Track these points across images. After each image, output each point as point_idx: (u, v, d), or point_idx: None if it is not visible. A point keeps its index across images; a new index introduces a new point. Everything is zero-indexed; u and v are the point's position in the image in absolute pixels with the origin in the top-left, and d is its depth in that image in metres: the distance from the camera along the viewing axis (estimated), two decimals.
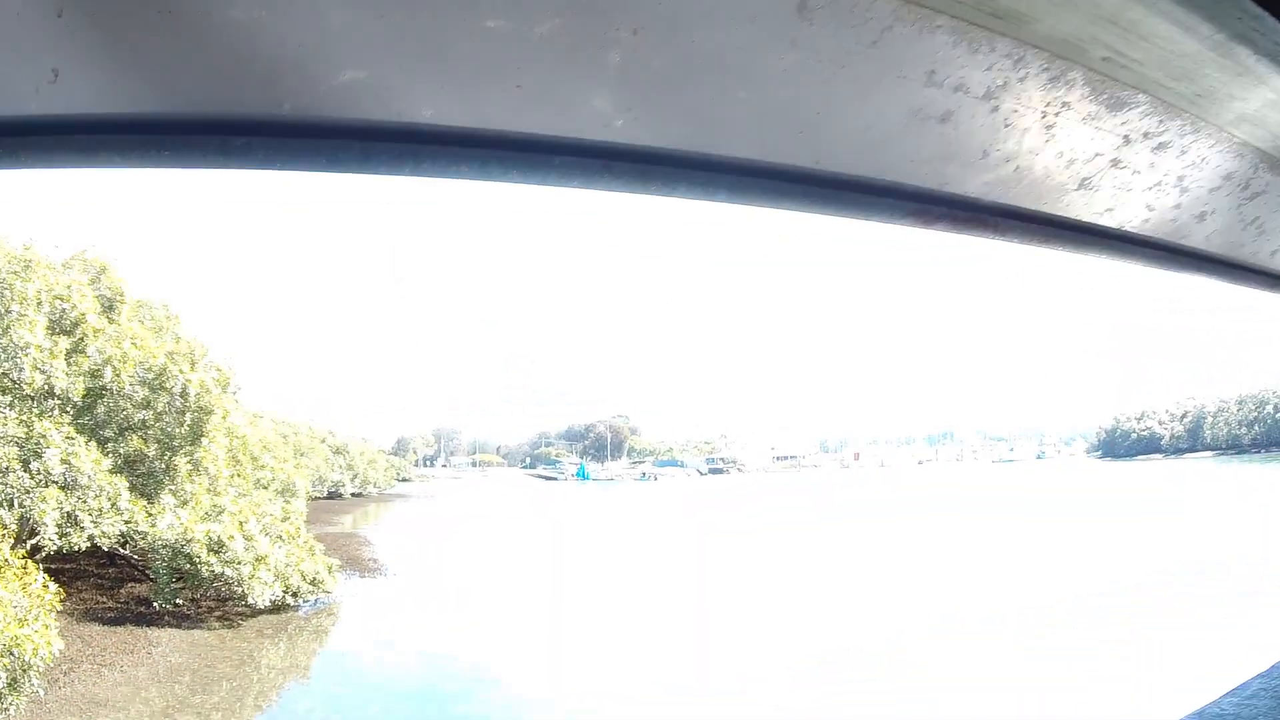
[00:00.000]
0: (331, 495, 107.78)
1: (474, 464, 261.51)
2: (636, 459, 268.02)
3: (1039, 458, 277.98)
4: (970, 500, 74.81)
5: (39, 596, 17.12)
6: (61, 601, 18.91)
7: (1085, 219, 3.00)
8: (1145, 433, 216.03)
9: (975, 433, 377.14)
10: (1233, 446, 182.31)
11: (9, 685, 15.32)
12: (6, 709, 15.45)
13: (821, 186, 2.63)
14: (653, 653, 27.09)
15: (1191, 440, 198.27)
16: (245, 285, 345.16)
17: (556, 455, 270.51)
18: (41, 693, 17.32)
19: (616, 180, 2.50)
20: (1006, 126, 2.52)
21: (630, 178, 2.50)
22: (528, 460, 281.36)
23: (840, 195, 2.69)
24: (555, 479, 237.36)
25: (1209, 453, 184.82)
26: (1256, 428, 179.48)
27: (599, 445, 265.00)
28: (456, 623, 32.57)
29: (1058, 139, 2.61)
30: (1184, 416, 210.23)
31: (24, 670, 15.59)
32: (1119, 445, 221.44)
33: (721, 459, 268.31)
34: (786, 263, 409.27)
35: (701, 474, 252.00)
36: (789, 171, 2.57)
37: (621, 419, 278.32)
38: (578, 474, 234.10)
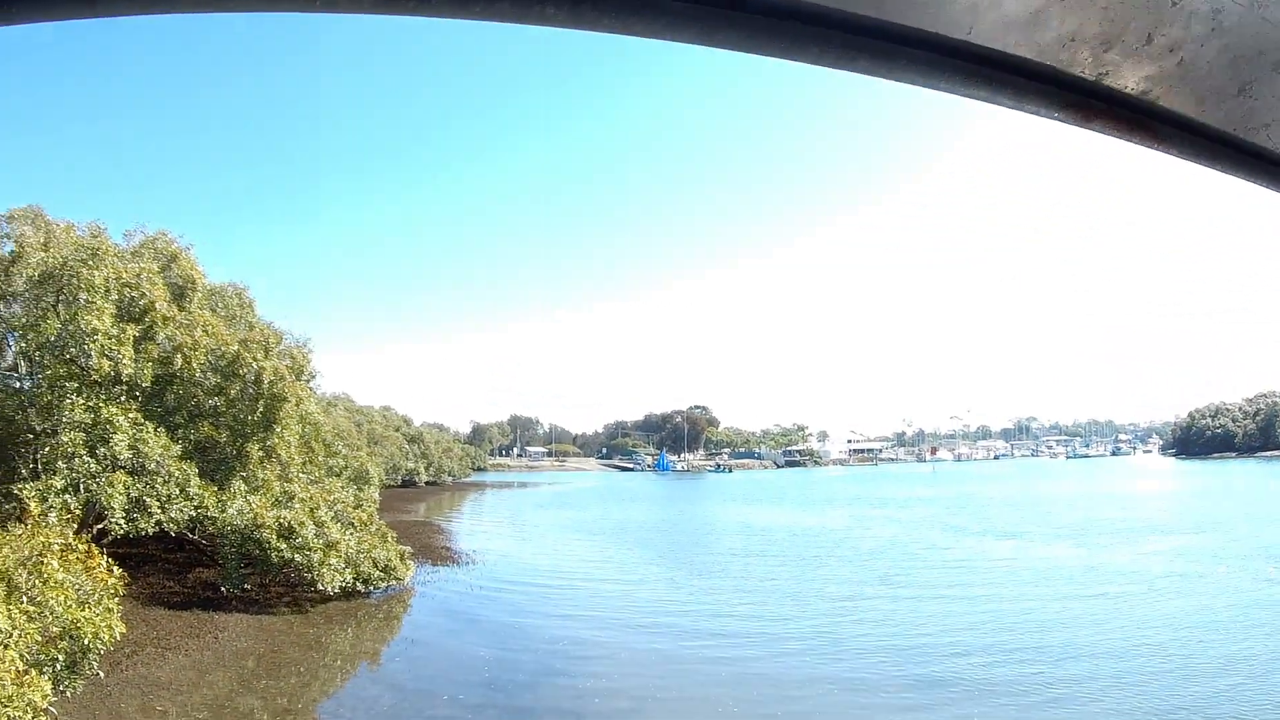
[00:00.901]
0: (406, 483, 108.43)
1: (550, 453, 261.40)
2: (713, 450, 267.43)
3: (1115, 454, 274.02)
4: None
5: (102, 580, 17.07)
6: (126, 585, 18.89)
7: (1239, 134, 2.72)
8: (1219, 430, 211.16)
9: (1050, 427, 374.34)
10: None
11: (67, 667, 15.27)
12: (64, 691, 15.39)
13: (969, 62, 2.47)
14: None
15: (1264, 438, 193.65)
16: None
17: (633, 446, 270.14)
18: (101, 675, 17.27)
19: None
20: (1174, 5, 2.28)
21: None
22: (604, 450, 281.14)
23: (991, 76, 2.52)
24: (632, 469, 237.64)
25: None
26: None
27: (676, 436, 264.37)
28: (529, 612, 32.36)
29: (1224, 28, 2.34)
30: (1257, 414, 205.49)
31: (83, 653, 15.54)
32: (1193, 443, 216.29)
33: (798, 451, 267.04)
34: (859, 265, 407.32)
35: (778, 465, 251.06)
36: (933, 40, 2.39)
37: (699, 410, 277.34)
38: (658, 465, 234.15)
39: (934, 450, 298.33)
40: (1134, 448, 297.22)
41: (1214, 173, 2.95)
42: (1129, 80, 2.49)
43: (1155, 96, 2.55)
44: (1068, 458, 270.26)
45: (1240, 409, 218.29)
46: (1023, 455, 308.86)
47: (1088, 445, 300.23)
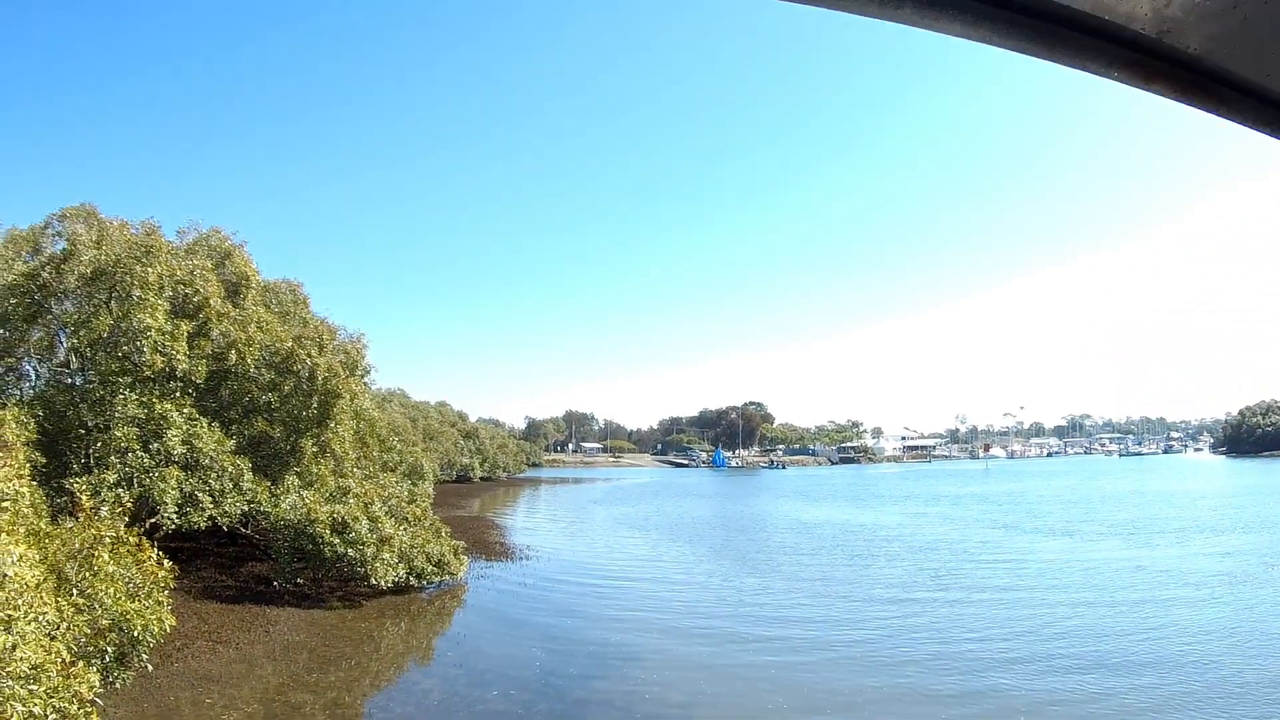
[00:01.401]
0: (461, 478, 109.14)
1: (605, 449, 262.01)
2: (767, 447, 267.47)
3: (1167, 451, 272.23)
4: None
5: (152, 573, 17.14)
6: (178, 579, 18.97)
7: None
8: (1270, 428, 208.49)
9: (1102, 424, 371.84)
10: None
11: (116, 660, 15.32)
12: (113, 683, 15.45)
13: (1024, 15, 2.34)
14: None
15: None
16: None
17: (688, 442, 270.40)
18: (150, 668, 17.33)
19: None
20: None
21: None
22: (659, 446, 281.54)
23: (1049, 31, 2.38)
24: (687, 465, 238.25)
25: None
26: None
27: (731, 433, 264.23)
28: (581, 609, 32.31)
29: None
30: None
31: (132, 645, 15.59)
32: (1244, 441, 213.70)
33: (852, 448, 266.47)
34: (916, 263, 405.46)
35: (832, 462, 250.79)
36: None
37: (754, 406, 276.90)
38: (714, 461, 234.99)
39: (987, 447, 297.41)
40: (1185, 446, 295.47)
41: None
42: (1191, 39, 2.35)
43: (1218, 58, 2.41)
44: (1120, 455, 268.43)
45: None
46: (1075, 452, 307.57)
47: (1140, 443, 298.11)
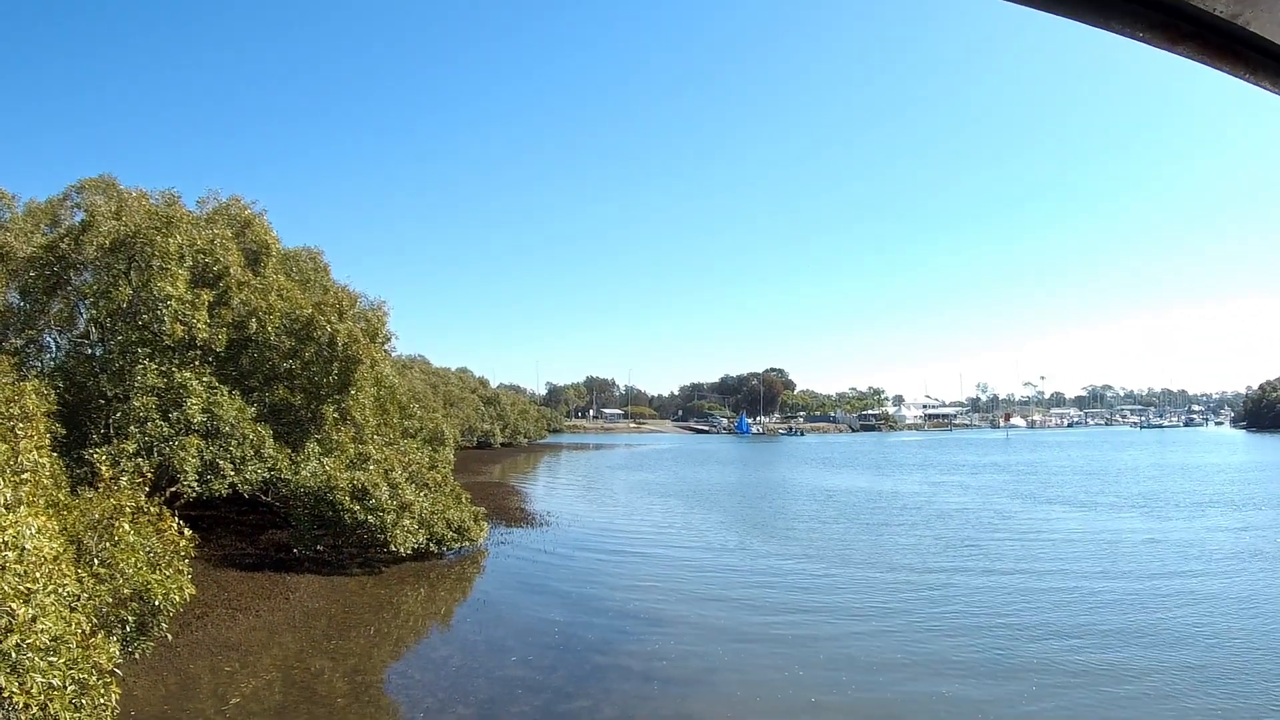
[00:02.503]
0: (481, 444, 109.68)
1: (626, 415, 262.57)
2: (788, 414, 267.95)
3: (1187, 424, 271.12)
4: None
5: (173, 542, 17.25)
6: (198, 548, 19.08)
7: None
8: None
9: (1124, 396, 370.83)
10: None
11: (136, 629, 15.44)
12: (133, 653, 15.58)
13: None
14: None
15: None
16: None
17: (709, 408, 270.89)
18: (170, 637, 17.49)
19: None
20: None
21: None
22: (679, 413, 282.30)
23: None
24: (708, 431, 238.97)
25: None
26: None
27: (752, 399, 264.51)
28: (600, 575, 32.42)
29: None
30: None
31: (153, 615, 15.71)
32: (1264, 415, 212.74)
33: (873, 415, 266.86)
34: (938, 228, 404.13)
35: (854, 429, 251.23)
36: None
37: (775, 373, 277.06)
38: (738, 426, 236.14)
39: (1008, 417, 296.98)
40: (1206, 419, 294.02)
41: None
42: (1219, 1, 2.33)
43: (1246, 20, 2.37)
44: (1141, 427, 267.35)
45: None
46: (1096, 423, 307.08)
47: (1161, 415, 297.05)
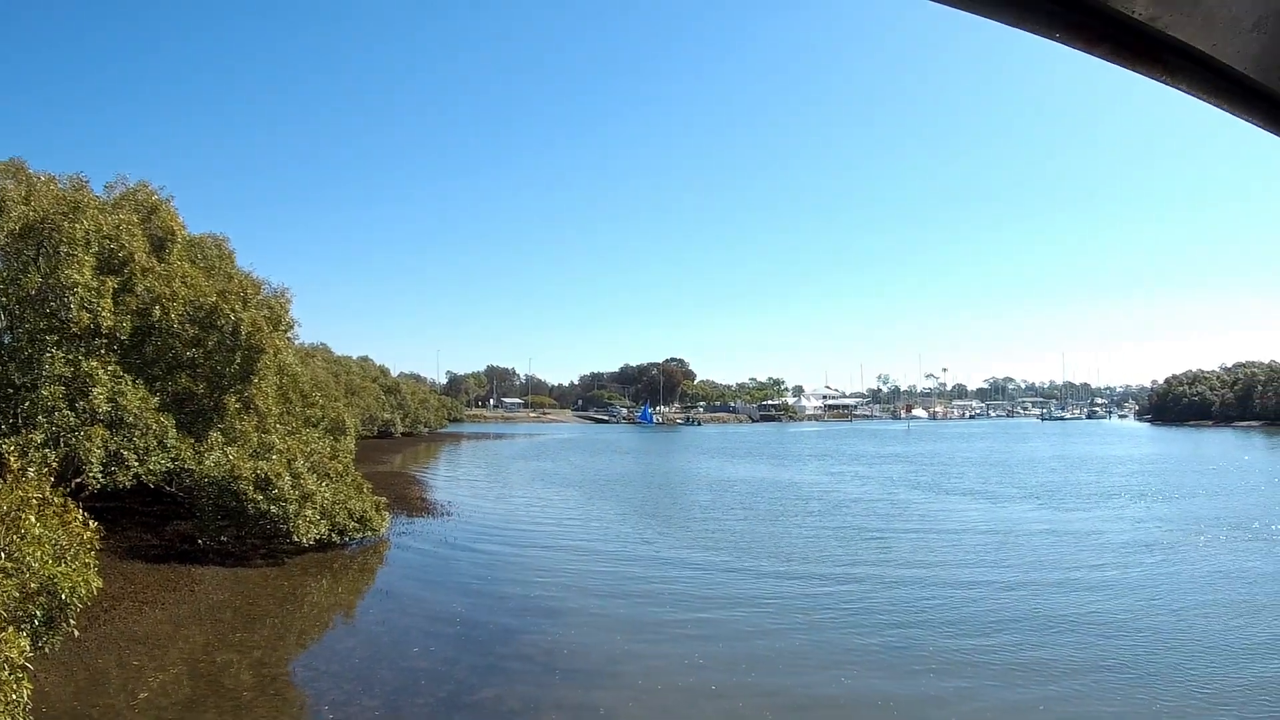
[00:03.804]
0: (383, 434, 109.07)
1: (526, 405, 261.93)
2: (689, 404, 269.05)
3: (1090, 417, 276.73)
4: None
5: (78, 534, 17.17)
6: (104, 540, 18.98)
7: (1250, 73, 2.56)
8: (1196, 398, 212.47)
9: (1025, 388, 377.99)
10: None
11: (45, 624, 15.39)
12: (42, 648, 15.53)
13: None
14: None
15: (1241, 409, 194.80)
16: None
17: (609, 398, 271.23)
18: (77, 632, 17.42)
19: None
20: None
21: None
22: (579, 402, 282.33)
23: None
24: (608, 421, 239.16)
25: (1258, 422, 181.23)
26: None
27: (652, 389, 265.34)
28: (502, 565, 32.66)
29: None
30: (1235, 384, 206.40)
31: (61, 609, 15.66)
32: (1169, 410, 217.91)
33: (774, 406, 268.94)
34: (840, 222, 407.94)
35: (753, 420, 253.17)
36: None
37: (675, 362, 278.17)
38: (641, 416, 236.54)
39: (909, 408, 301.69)
40: (1109, 412, 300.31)
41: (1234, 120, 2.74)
42: (1136, 4, 2.31)
43: (1164, 24, 2.38)
44: (1043, 419, 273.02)
45: (1219, 377, 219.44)
46: (998, 415, 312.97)
47: (1063, 408, 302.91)
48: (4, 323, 30.38)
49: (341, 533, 33.27)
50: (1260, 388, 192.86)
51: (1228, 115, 2.72)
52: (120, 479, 28.39)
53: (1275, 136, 2.77)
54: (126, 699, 17.13)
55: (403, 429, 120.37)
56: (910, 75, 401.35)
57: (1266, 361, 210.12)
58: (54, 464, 22.00)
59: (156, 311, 31.22)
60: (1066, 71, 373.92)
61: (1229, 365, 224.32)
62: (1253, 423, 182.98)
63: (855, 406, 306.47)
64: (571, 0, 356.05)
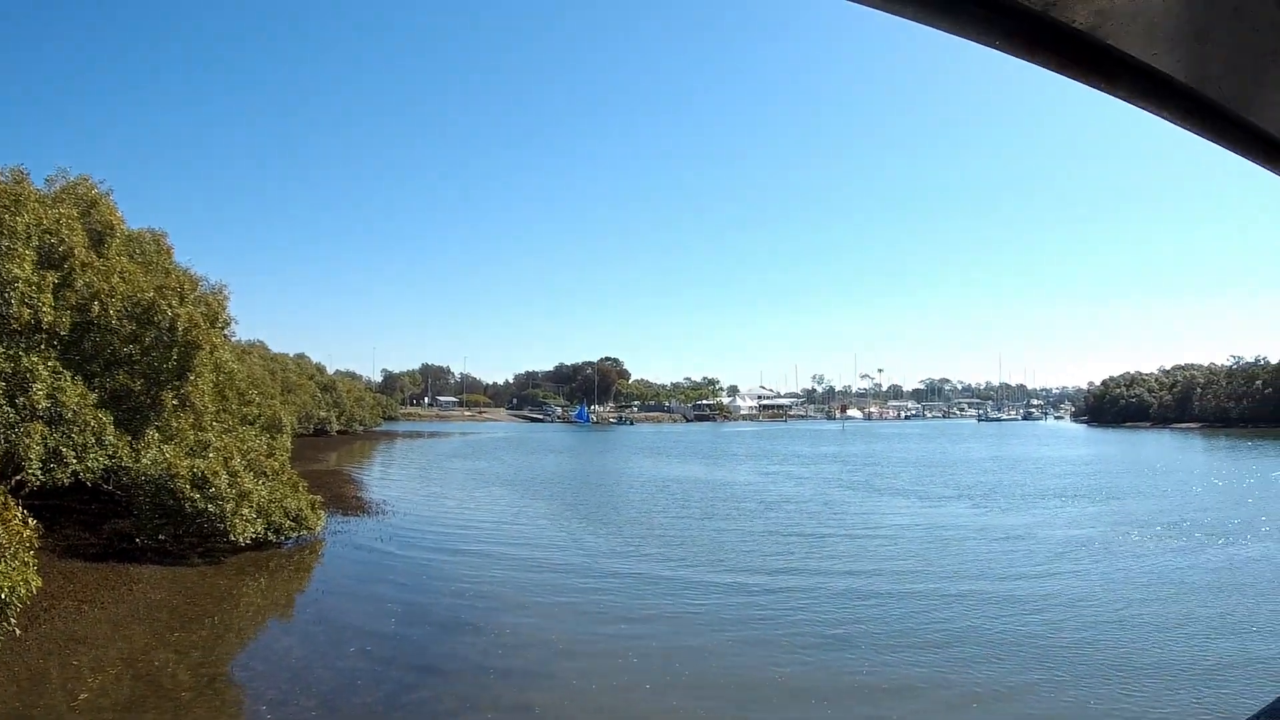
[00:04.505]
0: (318, 432, 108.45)
1: (461, 403, 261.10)
2: (623, 403, 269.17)
3: (1026, 418, 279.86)
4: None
5: (17, 533, 17.16)
6: (42, 538, 18.98)
7: (1190, 82, 2.63)
8: (1134, 400, 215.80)
9: (961, 389, 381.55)
10: (1220, 419, 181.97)
11: None
12: None
13: None
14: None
15: (1180, 410, 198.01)
16: None
17: (544, 397, 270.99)
18: (17, 631, 17.43)
19: None
20: None
21: None
22: (514, 401, 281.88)
23: None
24: (543, 420, 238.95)
25: (1196, 424, 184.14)
26: (1245, 402, 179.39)
27: (587, 388, 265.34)
28: (438, 563, 32.81)
29: None
30: (1174, 386, 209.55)
31: (0, 608, 15.68)
32: (1106, 411, 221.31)
33: (708, 405, 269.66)
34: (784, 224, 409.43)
35: (688, 419, 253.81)
36: None
37: (610, 361, 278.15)
38: (577, 415, 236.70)
39: (844, 408, 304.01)
40: (1045, 413, 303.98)
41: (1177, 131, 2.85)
42: (1078, 14, 2.33)
43: (1105, 34, 2.41)
44: (979, 420, 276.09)
45: (1157, 380, 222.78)
46: (934, 416, 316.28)
47: (999, 409, 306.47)
48: None
49: (278, 531, 33.19)
50: (1200, 390, 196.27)
51: (1167, 124, 2.85)
52: (59, 476, 28.14)
53: (1213, 144, 2.87)
54: (67, 699, 17.13)
55: (338, 427, 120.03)
56: (838, 74, 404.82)
57: (1206, 364, 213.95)
58: None
59: (96, 307, 30.97)
60: (1000, 76, 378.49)
61: (1168, 368, 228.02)
62: (1191, 424, 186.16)
63: (790, 407, 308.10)
64: None
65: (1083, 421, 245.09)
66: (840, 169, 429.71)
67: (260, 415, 47.59)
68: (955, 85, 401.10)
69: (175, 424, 34.54)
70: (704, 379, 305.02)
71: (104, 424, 29.92)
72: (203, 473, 30.63)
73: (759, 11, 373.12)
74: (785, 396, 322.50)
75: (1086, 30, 2.37)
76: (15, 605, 15.99)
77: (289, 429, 54.07)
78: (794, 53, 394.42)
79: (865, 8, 2.40)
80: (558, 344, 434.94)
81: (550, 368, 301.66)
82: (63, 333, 29.82)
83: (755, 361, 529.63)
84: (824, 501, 53.73)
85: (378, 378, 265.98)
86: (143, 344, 33.21)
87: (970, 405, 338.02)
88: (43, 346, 29.19)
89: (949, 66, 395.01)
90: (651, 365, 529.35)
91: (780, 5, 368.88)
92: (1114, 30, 2.37)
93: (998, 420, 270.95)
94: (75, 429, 28.75)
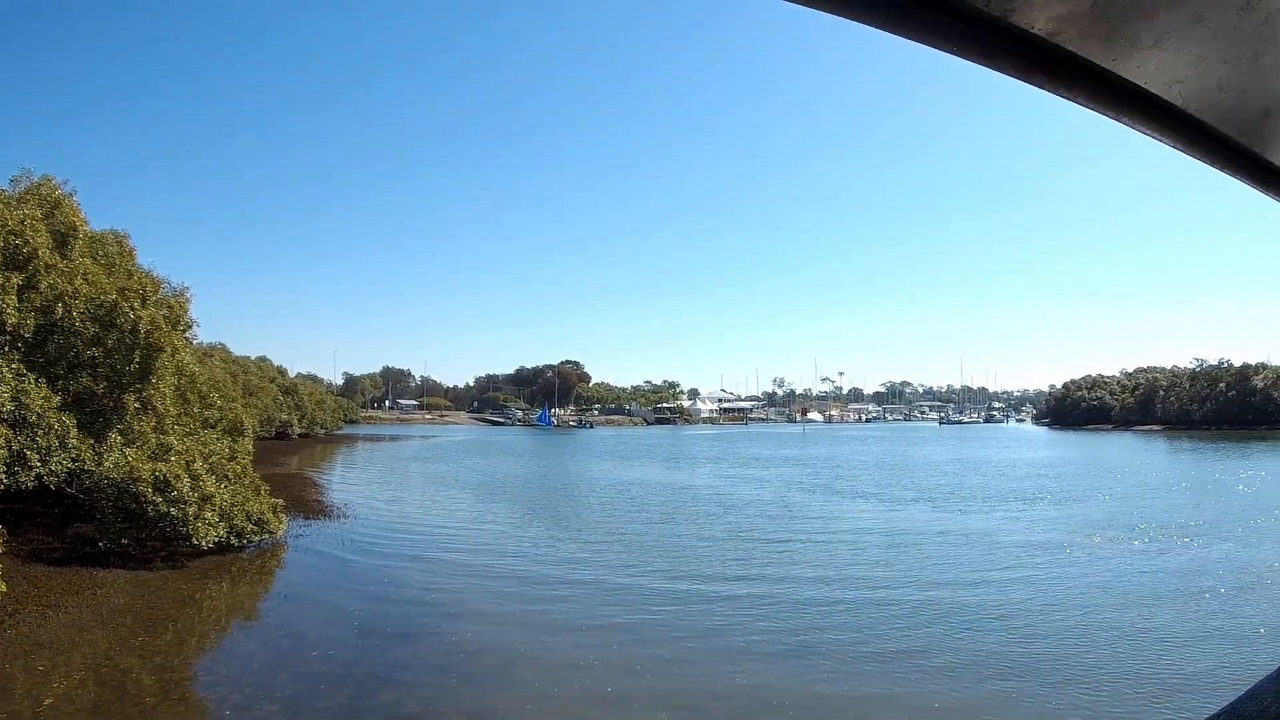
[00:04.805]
0: (280, 435, 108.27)
1: (422, 406, 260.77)
2: (584, 406, 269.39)
3: (988, 421, 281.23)
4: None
5: None
6: (6, 543, 18.99)
7: (1150, 88, 2.58)
8: (1096, 402, 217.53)
9: (923, 392, 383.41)
10: (1182, 422, 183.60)
11: None
12: None
13: None
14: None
15: (1142, 413, 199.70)
16: None
17: (504, 400, 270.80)
18: None
19: None
20: None
21: None
22: (475, 404, 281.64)
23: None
24: (503, 424, 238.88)
25: (1159, 426, 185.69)
26: (1208, 405, 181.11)
27: (547, 391, 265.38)
28: (400, 566, 32.90)
29: None
30: (1136, 389, 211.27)
31: None
32: (1068, 413, 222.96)
33: (669, 409, 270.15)
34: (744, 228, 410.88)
35: (648, 422, 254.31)
36: None
37: (571, 365, 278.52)
38: (540, 419, 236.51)
39: (805, 411, 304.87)
40: (1007, 416, 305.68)
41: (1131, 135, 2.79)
42: (1037, 20, 2.28)
43: (1064, 39, 2.36)
44: (940, 423, 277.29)
45: (1118, 382, 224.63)
46: (895, 419, 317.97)
47: (961, 412, 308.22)
48: None
49: (240, 535, 33.19)
50: (1163, 392, 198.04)
51: (1128, 129, 2.79)
52: (23, 480, 28.11)
53: (1172, 149, 2.85)
54: (32, 705, 17.16)
55: (300, 430, 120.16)
56: (796, 80, 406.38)
57: (1169, 367, 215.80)
58: None
59: (59, 309, 30.92)
60: (958, 83, 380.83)
61: (1130, 370, 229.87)
62: (1154, 427, 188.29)
63: (751, 410, 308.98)
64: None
65: (1044, 424, 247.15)
66: (802, 175, 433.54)
67: (222, 418, 47.44)
68: (914, 91, 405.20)
69: (137, 427, 34.44)
70: (664, 382, 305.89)
71: (68, 427, 29.88)
72: (165, 476, 30.58)
73: (707, 15, 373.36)
74: (746, 400, 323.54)
75: (1045, 36, 2.35)
76: None
77: (251, 432, 53.81)
78: (750, 58, 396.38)
79: (803, 8, 2.29)
80: (519, 347, 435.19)
81: (511, 371, 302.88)
82: (27, 335, 29.76)
83: (716, 365, 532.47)
84: (784, 505, 54.24)
85: (339, 380, 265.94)
86: (105, 346, 33.14)
87: (932, 408, 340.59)
88: (7, 349, 29.13)
89: (907, 73, 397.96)
90: (612, 368, 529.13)
91: (720, 6, 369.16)
92: (1073, 36, 2.35)
93: (959, 423, 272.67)
94: (40, 432, 28.70)
